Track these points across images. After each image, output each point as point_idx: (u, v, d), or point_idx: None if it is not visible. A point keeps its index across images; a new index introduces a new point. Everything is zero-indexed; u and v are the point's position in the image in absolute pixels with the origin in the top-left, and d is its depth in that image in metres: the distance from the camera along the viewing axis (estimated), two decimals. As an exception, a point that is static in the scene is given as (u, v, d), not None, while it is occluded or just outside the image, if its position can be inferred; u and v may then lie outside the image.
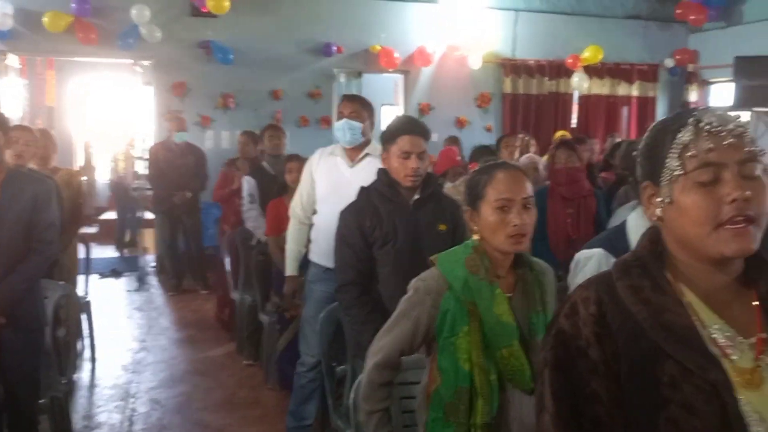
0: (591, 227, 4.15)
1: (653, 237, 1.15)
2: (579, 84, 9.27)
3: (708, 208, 1.03)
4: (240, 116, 8.00)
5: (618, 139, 8.14)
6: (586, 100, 9.64)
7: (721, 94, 9.55)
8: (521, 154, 7.26)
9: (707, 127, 1.05)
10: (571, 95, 9.55)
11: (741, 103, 8.60)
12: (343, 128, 3.25)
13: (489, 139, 8.95)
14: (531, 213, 1.86)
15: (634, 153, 1.23)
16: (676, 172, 1.06)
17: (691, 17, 9.30)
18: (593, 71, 9.44)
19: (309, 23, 8.21)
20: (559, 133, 8.57)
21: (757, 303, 1.08)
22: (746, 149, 1.04)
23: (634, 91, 9.77)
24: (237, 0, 7.52)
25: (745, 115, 9.05)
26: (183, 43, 7.78)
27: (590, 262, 2.00)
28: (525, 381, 1.80)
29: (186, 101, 7.88)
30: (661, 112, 10.00)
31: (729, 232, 1.02)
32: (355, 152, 3.31)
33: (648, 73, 9.81)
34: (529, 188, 1.88)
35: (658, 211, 1.11)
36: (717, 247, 1.03)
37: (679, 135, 1.07)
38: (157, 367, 4.88)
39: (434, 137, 8.64)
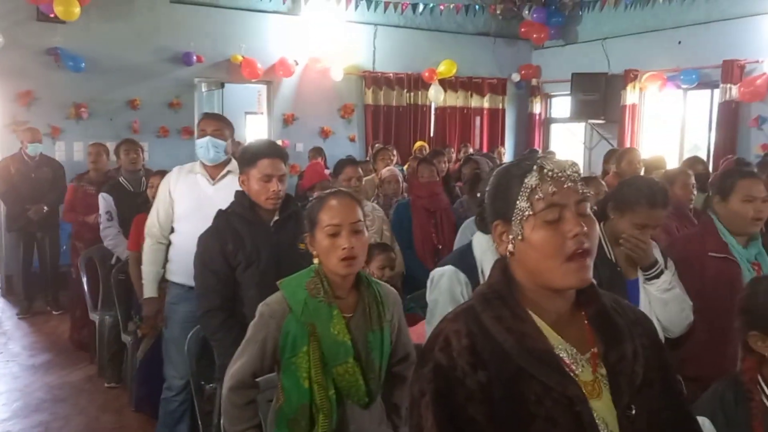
0: (453, 236, 4.44)
1: (503, 269, 1.28)
2: (435, 96, 9.75)
3: (556, 243, 1.17)
4: (94, 126, 7.64)
5: (471, 150, 8.70)
6: (442, 112, 10.15)
7: (561, 106, 10.44)
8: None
9: (550, 172, 1.20)
10: (428, 107, 10.02)
11: (577, 115, 9.48)
12: (207, 146, 3.27)
13: (353, 149, 9.23)
14: (360, 237, 1.97)
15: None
16: (526, 212, 1.19)
17: (534, 35, 10.12)
18: (448, 84, 9.98)
19: (167, 32, 8.02)
20: (418, 144, 9.00)
21: (587, 322, 1.26)
22: (581, 191, 1.22)
23: (486, 103, 10.43)
24: (88, 6, 7.21)
25: (580, 126, 9.98)
26: (29, 49, 7.31)
27: (443, 279, 2.21)
28: (360, 396, 1.95)
29: (33, 111, 7.41)
30: (509, 122, 10.75)
31: (574, 266, 1.17)
32: (216, 170, 3.33)
33: (497, 87, 10.51)
34: (358, 213, 2.00)
35: (510, 247, 1.24)
36: (564, 278, 1.18)
37: (526, 179, 1.20)
38: (10, 397, 4.60)
39: (299, 147, 8.87)
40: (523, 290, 1.25)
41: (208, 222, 2.83)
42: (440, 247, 4.37)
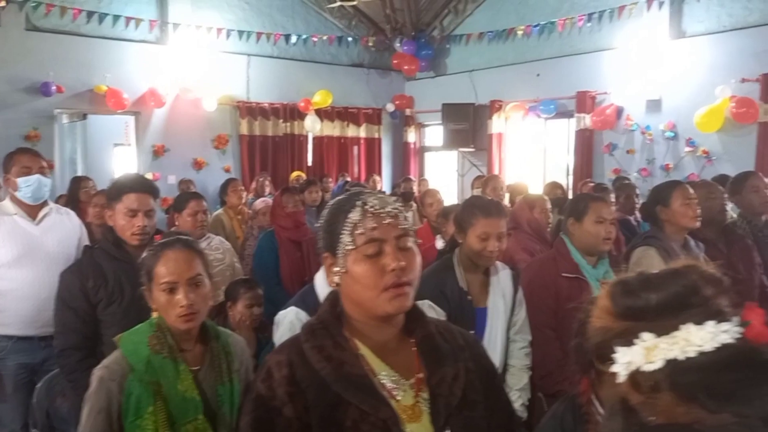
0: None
1: (333, 300, 1.35)
2: (312, 126, 9.79)
3: (374, 276, 1.24)
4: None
5: (348, 178, 8.78)
6: (319, 141, 10.20)
7: (434, 135, 10.81)
8: (257, 195, 7.46)
9: (371, 208, 1.27)
10: (305, 136, 10.03)
11: (448, 144, 9.84)
12: (36, 184, 3.12)
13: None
14: (201, 290, 1.86)
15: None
16: (348, 247, 1.27)
17: (405, 67, 10.45)
18: (324, 114, 10.06)
19: (22, 60, 7.54)
20: (295, 173, 8.98)
21: (415, 349, 1.33)
22: (401, 227, 1.29)
23: (362, 132, 10.60)
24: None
25: (452, 154, 10.36)
26: None
27: (285, 320, 2.19)
28: None
29: None
30: (386, 151, 10.98)
31: (391, 294, 1.25)
32: (36, 208, 3.17)
33: (373, 116, 10.72)
34: (197, 266, 1.88)
35: (336, 279, 1.31)
36: (383, 306, 1.26)
37: (350, 215, 1.27)
38: None
39: (171, 179, 8.56)
40: (351, 320, 1.32)
41: (41, 265, 2.68)
42: (308, 279, 4.31)
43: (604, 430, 0.78)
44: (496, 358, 2.78)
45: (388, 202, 1.29)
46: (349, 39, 10.20)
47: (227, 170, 9.29)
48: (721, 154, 7.13)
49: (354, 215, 1.27)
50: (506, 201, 6.12)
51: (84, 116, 8.54)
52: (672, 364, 0.70)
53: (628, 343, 0.79)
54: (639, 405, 0.73)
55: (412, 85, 11.04)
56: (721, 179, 5.26)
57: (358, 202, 1.28)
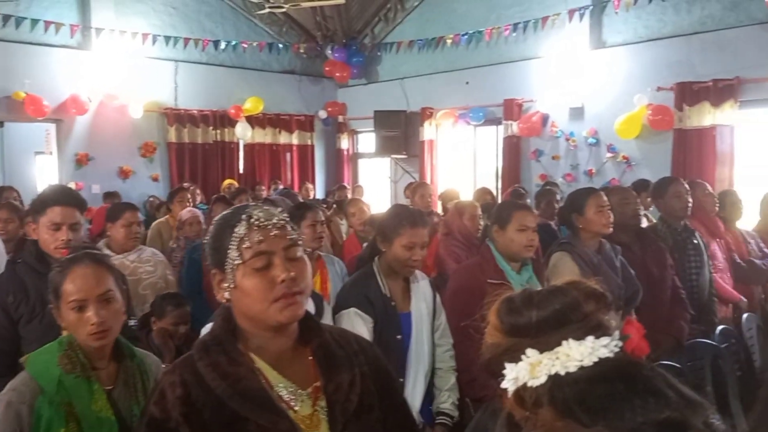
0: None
1: (226, 316, 1.34)
2: (243, 133, 9.67)
3: (264, 289, 1.25)
4: None
5: (281, 186, 8.72)
6: (251, 149, 10.09)
7: (367, 142, 10.86)
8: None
9: (257, 221, 1.28)
10: (236, 144, 9.90)
11: (381, 151, 9.91)
12: None
13: (156, 189, 8.82)
14: (112, 306, 1.81)
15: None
16: (236, 262, 1.27)
17: (337, 74, 10.47)
18: (256, 121, 9.95)
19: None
20: (227, 182, 8.85)
21: (311, 358, 1.35)
22: (289, 237, 1.30)
23: (295, 139, 10.54)
24: None
25: (385, 161, 10.43)
26: None
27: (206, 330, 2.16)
28: None
29: None
30: (319, 158, 10.96)
31: (282, 304, 1.26)
32: None
33: (305, 123, 10.68)
34: (108, 282, 1.82)
35: (226, 295, 1.30)
36: (275, 317, 1.26)
37: (236, 229, 1.28)
38: None
39: (95, 188, 8.29)
40: (245, 334, 1.32)
41: None
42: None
43: None
44: (425, 360, 2.83)
45: (274, 214, 1.30)
46: (280, 46, 10.14)
47: (155, 179, 9.07)
48: (640, 159, 7.45)
49: (240, 229, 1.27)
50: (439, 208, 6.23)
51: (1, 124, 8.17)
52: (553, 379, 0.72)
53: (515, 359, 0.81)
54: (522, 420, 0.75)
55: (345, 92, 11.06)
56: (641, 184, 5.52)
57: (243, 216, 1.28)
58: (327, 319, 2.68)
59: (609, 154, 7.69)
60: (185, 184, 7.86)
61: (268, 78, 10.25)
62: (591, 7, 7.64)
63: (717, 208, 4.53)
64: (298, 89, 10.66)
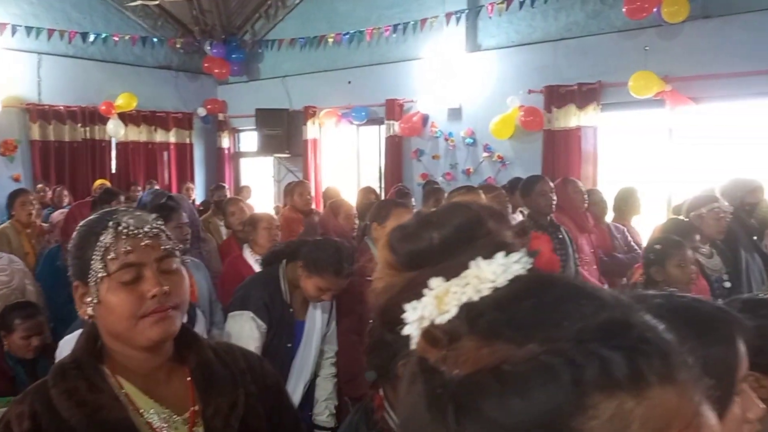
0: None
1: (90, 334, 1.21)
2: (115, 131, 9.17)
3: (132, 305, 1.12)
4: None
5: (156, 186, 8.36)
6: (124, 147, 9.59)
7: (249, 141, 10.64)
8: (55, 206, 6.85)
9: (125, 230, 1.14)
10: (108, 142, 9.38)
11: (263, 150, 9.74)
12: None
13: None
14: None
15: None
16: (100, 274, 1.13)
17: (216, 71, 10.18)
18: (129, 118, 9.47)
19: None
20: (98, 182, 8.36)
21: (189, 378, 1.22)
22: (163, 248, 1.17)
23: (172, 137, 10.13)
24: None
25: (268, 160, 10.27)
26: None
27: (68, 346, 2.03)
28: None
29: None
30: (198, 157, 10.61)
31: (151, 320, 1.13)
32: None
33: (183, 121, 10.30)
34: None
35: (89, 310, 1.16)
36: (144, 334, 1.13)
37: (102, 238, 1.14)
38: None
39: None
40: (112, 354, 1.18)
41: None
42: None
43: (404, 405, 0.63)
44: (307, 370, 2.82)
45: (147, 221, 1.18)
46: (155, 40, 9.71)
47: (17, 179, 8.41)
48: (514, 158, 7.79)
49: (106, 238, 1.14)
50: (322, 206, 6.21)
51: None
52: (467, 307, 0.60)
53: (417, 296, 0.65)
54: (439, 362, 0.61)
55: (225, 90, 10.78)
56: (515, 182, 5.77)
57: (111, 223, 1.15)
58: (200, 326, 2.60)
59: (485, 154, 7.98)
60: (39, 186, 7.41)
61: (142, 73, 9.79)
62: (467, 11, 7.89)
63: (586, 205, 4.82)
64: (174, 85, 10.26)
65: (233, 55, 10.20)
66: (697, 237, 3.25)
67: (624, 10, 6.54)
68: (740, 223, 3.79)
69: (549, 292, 0.57)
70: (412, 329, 0.64)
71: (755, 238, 3.84)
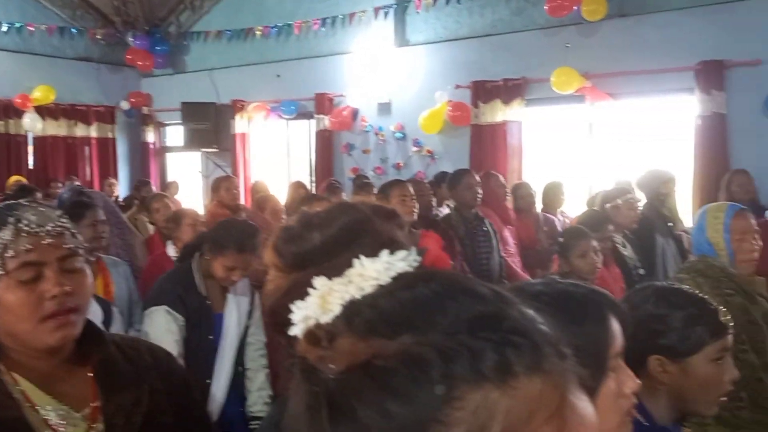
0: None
1: None
2: (32, 125, 8.78)
3: (31, 305, 1.09)
4: None
5: (77, 182, 8.05)
6: (42, 142, 9.20)
7: (175, 135, 10.38)
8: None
9: (26, 227, 1.10)
10: (24, 136, 8.99)
11: (190, 144, 9.54)
12: None
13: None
14: None
15: None
16: None
17: (140, 63, 9.87)
18: (47, 112, 9.08)
19: None
20: (14, 178, 8.00)
21: (92, 374, 1.19)
22: (66, 246, 1.14)
23: (93, 132, 9.78)
24: None
25: (196, 155, 10.06)
26: None
27: None
28: None
29: None
30: (122, 152, 10.28)
31: (52, 324, 1.10)
32: None
33: (105, 115, 9.95)
34: None
35: None
36: (42, 338, 1.11)
37: (1, 234, 1.10)
38: None
39: None
40: (9, 352, 1.15)
41: None
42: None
43: (291, 404, 0.63)
44: (229, 362, 2.79)
45: (50, 218, 1.14)
46: (74, 30, 9.34)
47: (-77, 176, 7.95)
48: (443, 153, 7.90)
49: (5, 235, 1.10)
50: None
51: None
52: (348, 306, 0.60)
53: (303, 296, 0.65)
54: (318, 361, 0.61)
55: (150, 82, 10.47)
56: (441, 176, 5.86)
57: (11, 219, 1.11)
58: (117, 326, 2.54)
59: (415, 148, 8.07)
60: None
61: (61, 65, 9.41)
62: (395, 6, 7.94)
63: (509, 198, 4.95)
64: (96, 78, 9.90)
65: (157, 47, 9.92)
66: (610, 227, 3.39)
67: (546, 8, 6.73)
68: (655, 212, 3.98)
69: (425, 288, 0.57)
70: (298, 329, 0.63)
71: (670, 224, 4.04)
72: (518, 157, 7.40)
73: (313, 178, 8.84)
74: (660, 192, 4.32)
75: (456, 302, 0.54)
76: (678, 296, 1.48)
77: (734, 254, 2.23)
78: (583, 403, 0.54)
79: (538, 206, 5.50)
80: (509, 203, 4.89)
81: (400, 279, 0.61)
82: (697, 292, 1.55)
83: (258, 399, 2.83)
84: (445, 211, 5.09)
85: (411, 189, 3.63)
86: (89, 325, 1.21)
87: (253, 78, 9.24)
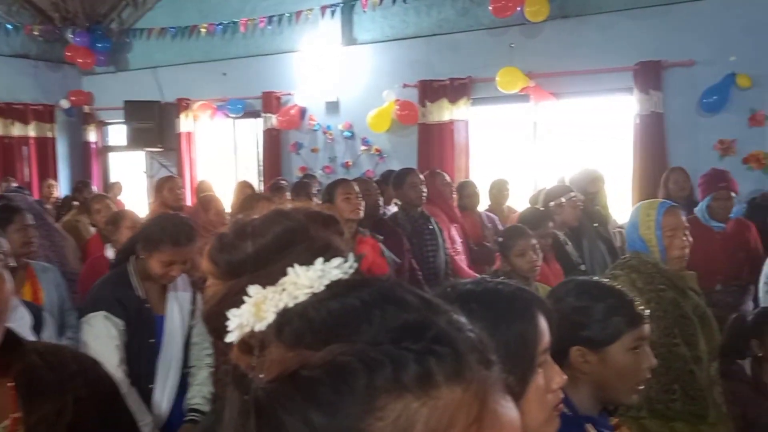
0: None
1: None
2: (-35, 124, 8.44)
3: None
4: None
5: (14, 183, 7.77)
6: (-24, 142, 8.85)
7: (118, 134, 10.12)
8: None
9: None
10: (-43, 136, 8.63)
11: (133, 144, 9.32)
12: None
13: None
14: None
15: None
16: None
17: (80, 60, 9.58)
18: (-19, 110, 8.75)
19: None
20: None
21: (12, 384, 1.16)
22: None
23: (32, 131, 9.44)
24: None
25: (140, 155, 9.83)
26: None
27: None
28: None
29: None
30: (62, 152, 9.97)
31: None
32: None
33: (44, 114, 9.63)
34: None
35: None
36: None
37: None
38: None
39: None
40: None
41: None
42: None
43: (225, 411, 0.63)
44: (176, 365, 2.74)
45: None
46: (9, 26, 9.01)
47: None
48: (391, 152, 7.93)
49: None
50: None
51: None
52: (281, 314, 0.61)
53: (238, 304, 0.65)
54: (249, 369, 0.62)
55: (91, 81, 10.18)
56: (387, 175, 5.88)
57: None
58: (49, 331, 2.46)
59: (363, 147, 8.07)
60: None
61: (-3, 62, 9.07)
62: (341, 5, 7.92)
63: (455, 196, 5.00)
64: (34, 76, 9.57)
65: (99, 45, 9.64)
66: (551, 224, 3.46)
67: (490, 8, 6.82)
68: (584, 211, 4.08)
69: (354, 297, 0.58)
70: (234, 336, 0.64)
71: (596, 224, 4.14)
72: (465, 156, 7.48)
73: (262, 178, 8.75)
74: (588, 191, 4.42)
75: (382, 312, 0.55)
76: (598, 289, 1.53)
77: (666, 250, 2.30)
78: (505, 410, 0.55)
79: (485, 204, 5.58)
80: (455, 201, 4.94)
81: (333, 287, 0.61)
82: (615, 284, 1.60)
83: (197, 393, 2.78)
84: (393, 209, 5.11)
85: (356, 187, 3.63)
86: (9, 333, 1.17)
87: (198, 76, 9.08)
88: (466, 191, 5.32)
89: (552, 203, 3.92)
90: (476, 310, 1.00)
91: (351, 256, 0.68)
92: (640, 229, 2.33)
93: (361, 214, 3.58)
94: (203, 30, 8.88)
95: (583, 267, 3.92)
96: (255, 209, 2.84)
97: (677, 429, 2.21)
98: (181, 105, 9.09)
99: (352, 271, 0.65)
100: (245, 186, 6.01)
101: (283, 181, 6.69)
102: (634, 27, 6.47)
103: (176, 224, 2.67)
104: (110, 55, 9.84)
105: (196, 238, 2.64)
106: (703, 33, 6.17)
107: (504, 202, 5.80)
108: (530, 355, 1.03)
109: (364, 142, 8.05)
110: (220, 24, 8.79)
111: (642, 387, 1.54)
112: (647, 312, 1.56)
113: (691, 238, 2.37)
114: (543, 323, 1.06)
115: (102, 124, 10.32)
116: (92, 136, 10.16)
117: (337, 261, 0.65)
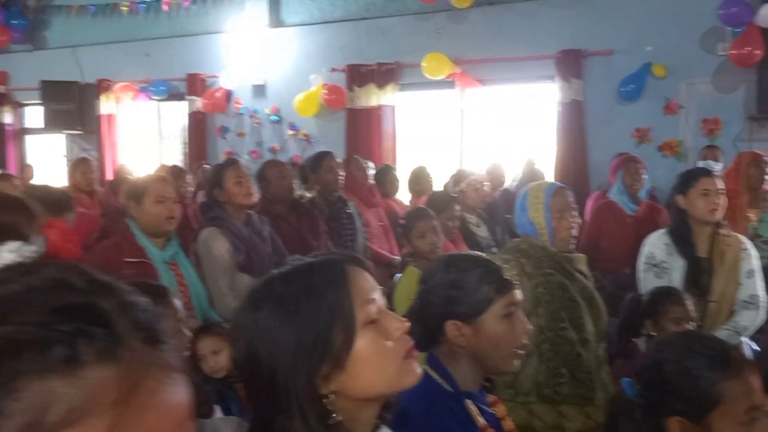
0: None
1: None
2: None
3: None
4: None
5: None
6: None
7: (36, 116, 9.67)
8: None
9: None
10: None
11: (51, 126, 8.93)
12: None
13: None
14: None
15: None
16: None
17: (-4, 37, 9.11)
18: None
19: None
20: None
21: None
22: None
23: (-60, 111, 8.94)
24: None
25: (59, 138, 9.44)
26: None
27: None
28: None
29: None
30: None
31: None
32: None
33: (-46, 93, 9.13)
34: None
35: None
36: None
37: None
38: None
39: None
40: None
41: None
42: None
43: None
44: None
45: None
46: None
47: None
48: (319, 136, 7.84)
49: None
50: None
51: None
52: None
53: None
54: None
55: (6, 59, 9.67)
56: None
57: None
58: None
59: (291, 132, 7.95)
60: None
61: None
62: (267, -15, 7.75)
63: (370, 181, 4.97)
64: (-58, 53, 9.05)
65: (14, 21, 9.19)
66: (457, 207, 3.46)
67: (417, -7, 6.80)
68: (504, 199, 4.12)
69: (21, 280, 0.56)
70: None
71: (509, 216, 4.20)
72: (392, 141, 7.47)
73: (187, 161, 8.52)
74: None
75: (45, 294, 0.54)
76: (466, 261, 1.53)
77: (554, 232, 2.32)
78: (169, 391, 0.55)
79: (405, 190, 5.57)
80: (373, 185, 4.91)
81: (4, 271, 0.60)
82: (481, 254, 1.60)
83: None
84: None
85: (246, 170, 3.50)
86: None
87: (120, 56, 8.74)
88: (387, 177, 5.30)
89: (457, 188, 3.94)
90: (290, 288, 1.00)
91: (37, 240, 0.68)
92: (530, 212, 2.33)
93: (254, 198, 3.49)
94: (125, 8, 8.57)
95: (494, 250, 3.95)
96: (150, 191, 2.71)
97: (565, 412, 2.24)
98: (102, 86, 8.75)
99: (31, 254, 0.65)
100: (175, 170, 5.82)
101: (207, 165, 6.51)
102: (557, 15, 6.56)
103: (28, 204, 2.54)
104: (27, 32, 9.39)
105: (72, 210, 2.55)
106: (622, 23, 6.31)
107: (427, 191, 5.77)
108: (348, 315, 1.02)
109: (292, 126, 7.93)
110: (142, 2, 8.49)
111: (522, 352, 1.54)
112: (516, 280, 1.56)
113: (579, 219, 2.39)
114: (361, 279, 1.06)
115: (18, 105, 9.84)
116: (8, 117, 9.68)
117: (13, 245, 0.73)
